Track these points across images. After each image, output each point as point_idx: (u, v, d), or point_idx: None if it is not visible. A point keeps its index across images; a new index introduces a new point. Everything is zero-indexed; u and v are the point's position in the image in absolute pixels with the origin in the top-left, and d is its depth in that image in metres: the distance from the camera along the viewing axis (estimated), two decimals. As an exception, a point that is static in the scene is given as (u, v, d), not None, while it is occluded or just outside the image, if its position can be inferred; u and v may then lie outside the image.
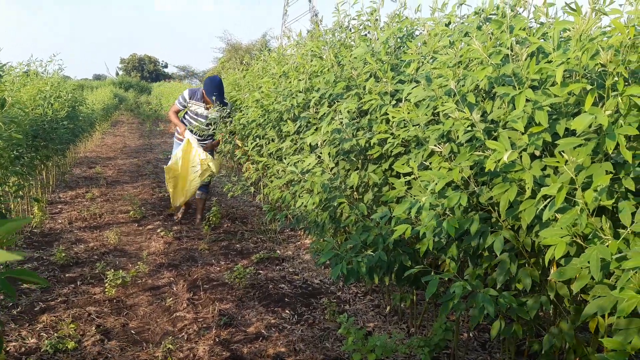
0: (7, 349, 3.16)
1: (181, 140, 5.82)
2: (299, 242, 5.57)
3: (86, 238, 5.64)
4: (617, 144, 1.46)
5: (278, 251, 5.26)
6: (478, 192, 1.84)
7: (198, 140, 5.77)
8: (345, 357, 3.06)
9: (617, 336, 1.38)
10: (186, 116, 5.87)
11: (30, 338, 3.34)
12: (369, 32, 4.06)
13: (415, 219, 2.07)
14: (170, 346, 3.21)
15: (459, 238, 2.06)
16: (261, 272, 4.64)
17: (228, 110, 5.49)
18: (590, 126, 1.59)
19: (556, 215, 1.45)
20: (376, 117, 2.71)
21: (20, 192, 4.47)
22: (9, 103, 3.23)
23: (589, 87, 1.48)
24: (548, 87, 1.69)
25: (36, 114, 5.15)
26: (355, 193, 2.84)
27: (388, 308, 3.81)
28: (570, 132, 1.72)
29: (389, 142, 2.38)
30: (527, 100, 1.68)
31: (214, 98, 5.49)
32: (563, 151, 1.49)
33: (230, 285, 4.27)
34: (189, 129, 5.74)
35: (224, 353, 3.17)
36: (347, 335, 2.63)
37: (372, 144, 2.60)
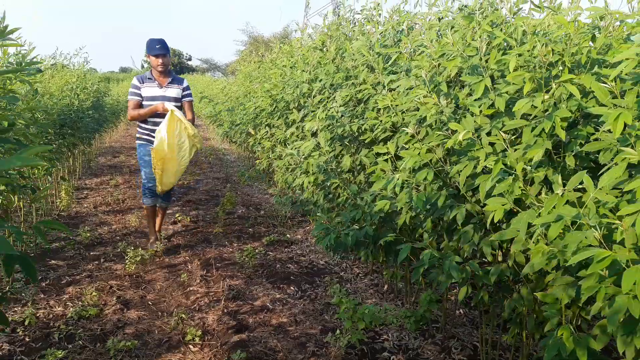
0: (37, 315, 3.51)
1: (146, 138, 4.81)
2: (309, 227, 5.84)
3: (109, 221, 6.01)
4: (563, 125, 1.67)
5: (288, 235, 5.54)
6: (447, 169, 2.06)
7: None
8: (341, 327, 3.32)
9: (552, 291, 1.60)
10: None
11: (57, 307, 3.69)
12: (372, 26, 4.28)
13: (396, 196, 2.31)
14: (183, 315, 3.51)
15: (435, 213, 2.29)
16: (270, 253, 4.93)
17: (186, 87, 4.81)
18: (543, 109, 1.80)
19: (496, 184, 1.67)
20: (369, 105, 2.95)
21: (48, 175, 4.84)
22: (40, 94, 3.54)
23: (527, 75, 1.69)
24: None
25: (63, 104, 5.52)
26: (349, 175, 3.08)
27: (386, 287, 4.05)
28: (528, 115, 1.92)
29: (377, 128, 2.61)
30: (487, 88, 1.90)
31: (160, 61, 4.57)
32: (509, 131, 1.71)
33: (241, 265, 4.56)
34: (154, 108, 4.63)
35: (231, 322, 3.46)
36: (339, 304, 2.88)
37: (364, 130, 2.83)
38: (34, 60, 3.39)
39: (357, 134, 2.92)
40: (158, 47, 4.56)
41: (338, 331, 3.18)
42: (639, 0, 1.90)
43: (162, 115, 4.60)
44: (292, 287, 4.12)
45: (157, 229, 5.15)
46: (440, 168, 2.15)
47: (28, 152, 0.92)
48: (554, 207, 1.40)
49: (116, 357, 2.99)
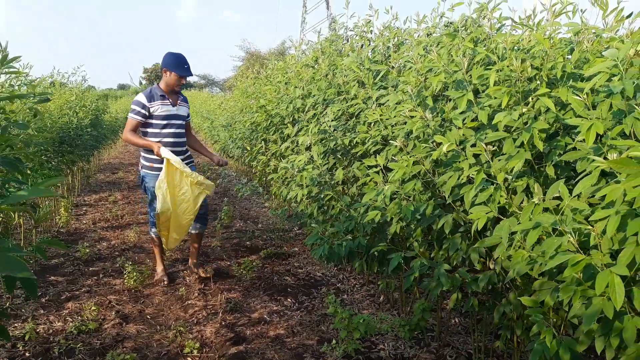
0: (37, 330, 3.54)
1: (157, 167, 4.10)
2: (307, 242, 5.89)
3: (108, 237, 6.06)
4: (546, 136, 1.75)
5: (285, 248, 5.59)
6: (435, 180, 2.14)
7: (181, 157, 4.11)
8: (337, 337, 3.36)
9: (533, 296, 1.66)
10: (148, 130, 4.16)
11: (57, 322, 3.73)
12: (363, 43, 4.38)
13: (387, 206, 2.38)
14: (181, 328, 3.55)
15: (424, 223, 2.35)
16: (268, 266, 4.97)
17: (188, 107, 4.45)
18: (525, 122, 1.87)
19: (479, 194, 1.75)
20: (360, 119, 3.03)
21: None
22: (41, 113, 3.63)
23: (505, 89, 1.77)
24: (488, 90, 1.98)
25: (63, 122, 5.61)
26: (342, 187, 3.16)
27: (382, 297, 4.10)
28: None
29: (368, 141, 2.69)
30: (471, 102, 1.98)
31: (182, 81, 4.10)
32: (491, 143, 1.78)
33: (239, 278, 4.61)
34: (160, 146, 3.99)
35: (229, 334, 3.50)
36: (335, 314, 2.93)
37: (355, 143, 2.91)
38: (44, 91, 3.50)
39: (349, 147, 3.00)
40: (187, 68, 4.09)
41: (334, 341, 3.23)
42: (615, 15, 1.99)
43: (172, 142, 4.13)
44: (289, 299, 4.16)
45: (193, 260, 4.64)
46: (428, 179, 2.23)
47: (44, 183, 0.99)
48: (532, 214, 1.47)
49: (115, 370, 3.02)
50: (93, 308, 3.83)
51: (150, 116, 4.08)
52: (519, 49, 2.00)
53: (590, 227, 1.30)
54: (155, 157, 4.07)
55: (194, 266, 4.64)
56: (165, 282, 4.40)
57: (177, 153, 4.07)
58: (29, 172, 4.45)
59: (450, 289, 2.22)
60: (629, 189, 1.12)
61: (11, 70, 1.84)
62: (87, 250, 5.25)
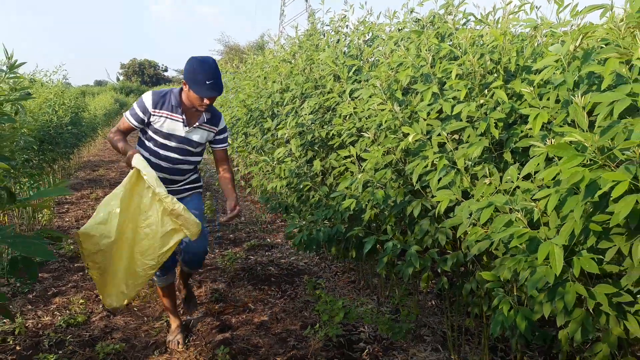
0: (26, 325, 3.62)
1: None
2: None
3: (92, 233, 6.11)
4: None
5: (268, 239, 5.72)
6: (406, 169, 2.29)
7: (168, 187, 2.90)
8: (319, 322, 3.51)
9: (495, 271, 1.82)
10: (145, 141, 3.04)
11: (45, 316, 3.81)
12: (338, 39, 4.51)
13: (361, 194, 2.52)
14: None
15: (400, 211, 2.50)
16: (251, 257, 5.10)
17: (223, 129, 3.07)
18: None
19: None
20: (337, 112, 3.16)
21: (31, 191, 4.93)
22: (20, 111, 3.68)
23: (463, 82, 1.92)
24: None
25: (43, 120, 5.63)
26: (321, 178, 3.29)
27: (362, 282, 4.26)
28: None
29: (343, 133, 2.83)
30: (436, 94, 2.13)
31: (206, 102, 2.77)
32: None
33: (223, 269, 4.73)
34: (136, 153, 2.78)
35: (215, 322, 3.63)
36: (312, 294, 3.07)
37: (332, 135, 3.05)
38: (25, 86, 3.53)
39: (326, 139, 3.13)
40: (211, 85, 2.72)
41: (317, 325, 3.38)
42: (570, 10, 2.15)
43: (164, 169, 2.99)
44: (273, 288, 4.30)
45: (183, 287, 3.61)
46: (400, 168, 2.38)
47: (63, 184, 1.11)
48: (483, 194, 1.62)
49: (105, 359, 3.13)
50: (81, 301, 3.91)
51: (148, 125, 2.93)
52: (479, 45, 2.15)
53: (533, 204, 1.46)
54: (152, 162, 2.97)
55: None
56: (180, 344, 3.28)
57: (167, 184, 2.93)
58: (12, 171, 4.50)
59: (421, 269, 2.38)
60: (564, 170, 1.27)
61: (15, 76, 1.93)
62: (72, 247, 5.31)
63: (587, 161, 1.30)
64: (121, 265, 2.68)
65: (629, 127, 1.26)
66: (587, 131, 1.35)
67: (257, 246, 5.45)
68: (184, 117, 2.91)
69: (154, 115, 2.90)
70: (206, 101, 2.79)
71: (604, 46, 1.56)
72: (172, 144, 2.97)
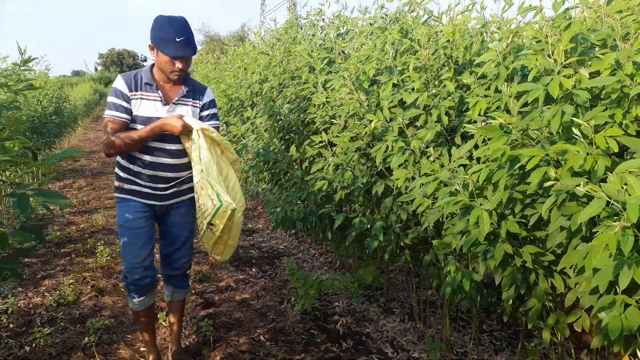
0: (18, 305, 3.81)
1: (130, 189, 2.58)
2: (270, 217, 6.27)
3: (77, 221, 6.27)
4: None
5: (250, 225, 5.95)
6: (371, 152, 2.54)
7: (168, 191, 2.61)
8: (297, 297, 3.77)
9: (444, 239, 2.09)
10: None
11: (35, 297, 3.99)
12: (314, 33, 4.73)
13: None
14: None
15: (366, 190, 2.76)
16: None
17: (209, 103, 2.63)
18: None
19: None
20: (312, 101, 3.40)
21: (16, 180, 5.07)
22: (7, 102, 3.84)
23: (416, 75, 2.17)
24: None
25: (29, 110, 5.75)
26: (298, 162, 3.54)
27: (338, 262, 4.53)
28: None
29: (317, 121, 3.07)
30: (398, 85, 2.38)
31: (178, 65, 2.41)
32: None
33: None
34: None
35: (199, 300, 3.86)
36: (291, 275, 3.32)
37: (307, 123, 3.29)
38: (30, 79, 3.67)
39: (302, 126, 3.37)
40: (183, 42, 2.36)
41: (293, 298, 3.63)
42: (517, 8, 2.41)
43: (172, 141, 2.52)
44: (253, 269, 4.54)
45: (174, 339, 2.99)
46: (368, 152, 2.63)
47: (73, 150, 1.33)
48: (433, 171, 1.89)
49: (96, 334, 3.34)
50: (71, 281, 4.11)
51: (129, 113, 2.48)
52: (435, 41, 2.40)
53: (467, 176, 1.72)
54: (134, 172, 2.55)
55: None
56: None
57: (164, 181, 2.57)
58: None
59: (387, 244, 2.64)
60: (491, 148, 1.53)
61: (27, 69, 2.11)
62: (58, 234, 5.48)
63: (511, 141, 1.56)
64: (235, 225, 2.54)
65: (545, 112, 1.52)
66: (514, 116, 1.61)
67: (239, 231, 5.68)
68: (160, 93, 2.48)
69: (132, 99, 2.46)
70: (178, 64, 2.41)
71: (534, 43, 1.81)
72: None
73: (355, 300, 3.77)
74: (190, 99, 2.59)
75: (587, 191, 1.24)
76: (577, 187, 1.26)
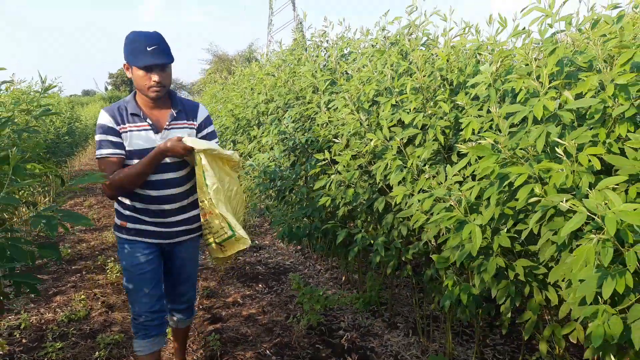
0: (30, 320, 3.90)
1: (134, 228, 2.44)
2: (275, 234, 6.35)
3: (87, 239, 6.39)
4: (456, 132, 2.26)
5: (257, 241, 6.03)
6: (372, 169, 2.63)
7: (178, 215, 2.46)
8: (302, 313, 3.83)
9: (443, 254, 2.16)
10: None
11: (47, 313, 4.09)
12: (317, 54, 4.87)
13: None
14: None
15: (368, 207, 2.85)
16: (240, 257, 5.41)
17: (204, 122, 2.47)
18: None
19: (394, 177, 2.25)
20: (316, 121, 3.51)
21: (29, 199, 5.20)
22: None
23: (412, 96, 2.27)
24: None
25: (43, 131, 5.92)
26: (303, 180, 3.64)
27: (343, 278, 4.59)
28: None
29: (320, 139, 3.17)
30: (396, 105, 2.47)
31: (155, 78, 2.22)
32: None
33: (213, 269, 5.03)
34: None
35: (206, 315, 3.93)
36: (297, 289, 3.40)
37: (311, 142, 3.39)
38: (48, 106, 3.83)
39: (306, 145, 3.48)
40: (153, 49, 2.18)
41: (299, 313, 3.70)
42: (511, 31, 2.51)
43: (174, 169, 2.38)
44: (260, 285, 4.62)
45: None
46: (369, 169, 2.72)
47: (97, 174, 1.45)
48: (430, 188, 1.97)
49: (106, 348, 3.42)
50: (82, 298, 4.20)
51: (122, 147, 2.30)
52: (431, 63, 2.51)
53: (459, 192, 1.80)
54: (139, 210, 2.40)
55: None
56: None
57: (172, 214, 2.43)
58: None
59: (389, 259, 2.71)
60: (482, 166, 1.61)
61: (49, 95, 2.25)
62: (69, 251, 5.59)
63: (501, 159, 1.64)
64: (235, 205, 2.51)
65: (532, 132, 1.61)
66: (504, 136, 1.70)
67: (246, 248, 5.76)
68: (148, 121, 2.31)
69: (122, 132, 2.28)
70: (155, 77, 2.20)
71: (524, 66, 1.91)
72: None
73: (360, 315, 3.83)
74: (184, 121, 2.40)
75: (569, 206, 1.32)
76: (561, 203, 1.34)
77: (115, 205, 2.50)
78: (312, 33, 4.84)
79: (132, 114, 2.31)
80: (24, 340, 3.59)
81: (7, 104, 4.06)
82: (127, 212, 2.42)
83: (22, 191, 4.95)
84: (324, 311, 3.85)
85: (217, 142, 2.45)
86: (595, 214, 1.27)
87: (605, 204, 1.31)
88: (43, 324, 3.87)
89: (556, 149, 1.46)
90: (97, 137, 2.30)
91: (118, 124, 2.29)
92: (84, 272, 5.07)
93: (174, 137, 2.23)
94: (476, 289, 2.08)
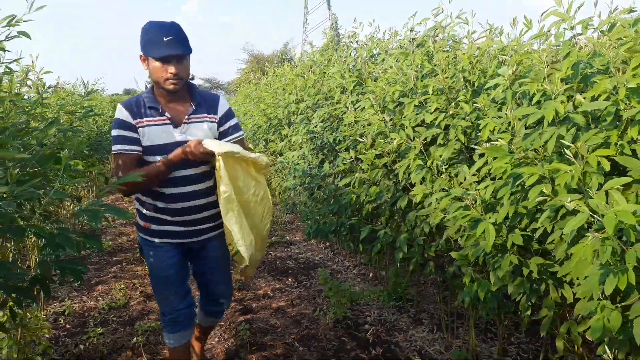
0: (74, 307, 4.16)
1: (158, 230, 2.36)
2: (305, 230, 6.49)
3: (127, 232, 6.69)
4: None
5: (287, 237, 6.18)
6: (395, 168, 2.71)
7: (195, 227, 2.38)
8: (329, 306, 3.94)
9: (462, 251, 2.23)
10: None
11: (89, 301, 4.35)
12: (346, 56, 4.96)
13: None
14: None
15: (392, 204, 2.93)
16: (272, 252, 5.57)
17: (226, 114, 2.37)
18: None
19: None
20: (344, 120, 3.61)
21: (74, 194, 5.51)
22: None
23: (434, 97, 2.34)
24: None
25: (86, 130, 6.25)
26: (331, 178, 3.75)
27: (371, 274, 4.68)
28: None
29: (348, 139, 3.27)
30: (420, 105, 2.55)
31: (171, 70, 2.13)
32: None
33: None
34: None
35: (238, 307, 4.10)
36: (325, 284, 3.51)
37: (339, 140, 3.50)
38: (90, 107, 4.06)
39: (334, 144, 3.59)
40: (170, 40, 2.09)
41: (326, 307, 3.81)
42: (538, 32, 2.55)
43: (195, 164, 2.26)
44: (290, 279, 4.76)
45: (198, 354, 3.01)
46: (392, 168, 2.81)
47: (135, 174, 1.60)
48: (449, 187, 2.04)
49: (143, 335, 3.63)
50: (121, 287, 4.44)
51: (138, 143, 2.22)
52: (453, 65, 2.57)
53: (474, 192, 1.87)
54: (159, 209, 2.32)
55: None
56: None
57: (193, 211, 2.33)
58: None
59: (411, 255, 2.79)
60: (495, 166, 1.68)
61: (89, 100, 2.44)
62: (110, 243, 5.88)
63: (515, 160, 1.71)
64: (258, 242, 2.39)
65: (544, 133, 1.66)
66: (518, 137, 1.76)
67: (277, 243, 5.92)
68: (167, 115, 2.21)
69: (139, 127, 2.19)
70: (171, 69, 2.11)
71: (542, 69, 1.96)
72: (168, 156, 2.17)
73: (386, 311, 3.91)
74: (205, 114, 2.30)
75: (574, 206, 1.38)
76: (566, 203, 1.40)
77: (136, 205, 2.41)
78: (342, 34, 4.94)
79: (149, 107, 2.21)
80: (67, 326, 3.84)
81: (53, 104, 4.34)
82: (149, 213, 2.33)
83: (68, 186, 5.25)
84: (350, 306, 3.95)
85: (242, 135, 2.39)
86: (595, 213, 1.33)
87: (608, 203, 1.36)
88: (85, 311, 4.11)
89: (564, 150, 1.52)
90: (113, 132, 2.21)
91: (135, 118, 2.19)
92: (124, 263, 5.33)
93: (193, 141, 2.10)
94: (493, 286, 2.14)
